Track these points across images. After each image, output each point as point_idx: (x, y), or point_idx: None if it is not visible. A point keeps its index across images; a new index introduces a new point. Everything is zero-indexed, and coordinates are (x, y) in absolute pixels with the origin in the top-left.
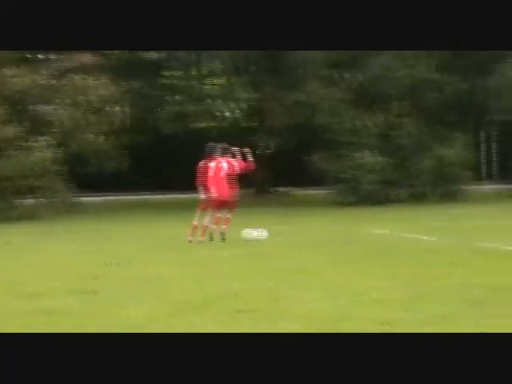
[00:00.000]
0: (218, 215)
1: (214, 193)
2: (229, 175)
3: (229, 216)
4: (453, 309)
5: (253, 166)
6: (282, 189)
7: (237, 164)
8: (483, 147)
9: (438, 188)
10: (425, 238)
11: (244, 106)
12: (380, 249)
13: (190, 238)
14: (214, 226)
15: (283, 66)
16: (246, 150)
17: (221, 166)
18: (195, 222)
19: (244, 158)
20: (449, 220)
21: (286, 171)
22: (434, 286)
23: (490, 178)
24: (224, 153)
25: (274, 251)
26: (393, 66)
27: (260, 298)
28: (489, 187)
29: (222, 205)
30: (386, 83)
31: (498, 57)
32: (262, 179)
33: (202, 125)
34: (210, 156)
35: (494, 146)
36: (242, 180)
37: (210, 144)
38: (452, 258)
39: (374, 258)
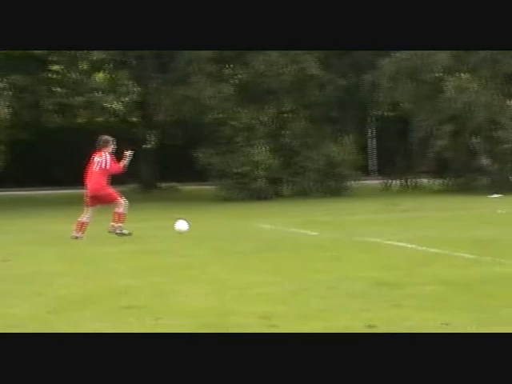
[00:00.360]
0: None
1: (87, 187)
2: (104, 170)
3: (119, 211)
4: (333, 302)
5: (120, 171)
6: (169, 184)
7: (111, 165)
8: (369, 143)
9: (323, 184)
10: (308, 232)
11: (130, 100)
12: (265, 243)
13: (74, 235)
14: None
15: (171, 62)
16: (129, 152)
17: (98, 160)
18: (80, 219)
19: (119, 160)
20: (332, 215)
21: (173, 166)
22: (315, 279)
23: (374, 173)
24: (105, 146)
25: (161, 247)
26: (278, 62)
27: (146, 294)
28: (373, 182)
29: (94, 200)
30: (271, 79)
31: (378, 53)
32: (149, 174)
33: (87, 119)
34: (98, 150)
35: (375, 141)
36: (128, 175)
37: (100, 137)
38: (334, 251)
39: (260, 253)
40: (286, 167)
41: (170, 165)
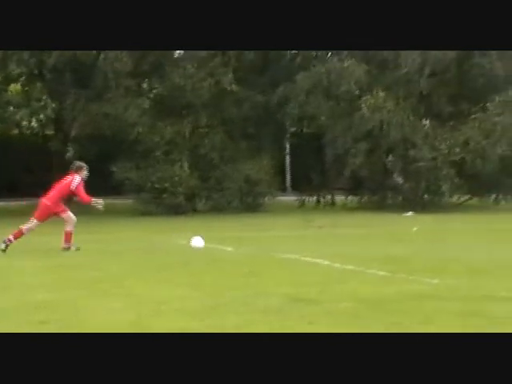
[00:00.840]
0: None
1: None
2: (66, 188)
3: (24, 227)
4: (249, 318)
5: (85, 202)
6: None
7: (78, 186)
8: (285, 160)
9: (241, 199)
10: (225, 248)
11: (45, 116)
12: (182, 258)
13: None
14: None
15: (88, 76)
16: (101, 202)
17: (67, 179)
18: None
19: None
20: (249, 230)
21: (89, 180)
22: (232, 295)
23: (290, 189)
24: (77, 171)
25: (78, 261)
26: (195, 76)
27: (62, 308)
28: (289, 198)
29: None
30: (188, 93)
31: (296, 67)
32: None
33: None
34: (71, 172)
35: (291, 158)
36: (41, 188)
37: (74, 162)
38: (250, 267)
39: (176, 268)
40: (204, 183)
41: (86, 178)
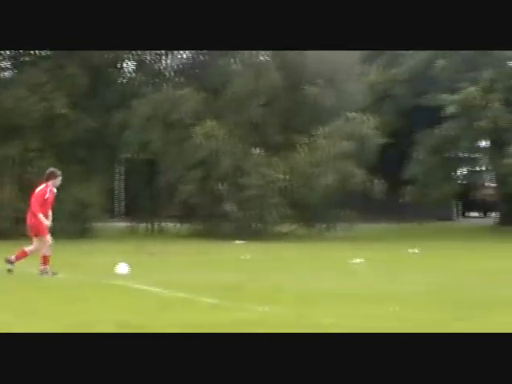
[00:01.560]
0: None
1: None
2: (41, 199)
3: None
4: None
5: (33, 211)
6: None
7: (38, 193)
8: (117, 185)
9: (69, 225)
10: (54, 273)
11: None
12: (6, 284)
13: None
14: None
15: None
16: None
17: (38, 190)
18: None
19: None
20: (79, 256)
21: None
22: (60, 323)
23: (121, 215)
24: (49, 178)
25: None
26: (29, 99)
27: None
28: (120, 224)
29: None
30: (18, 116)
31: (128, 95)
32: None
33: None
34: (43, 180)
35: (123, 183)
36: None
37: (48, 169)
38: (80, 294)
39: (0, 294)
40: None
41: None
